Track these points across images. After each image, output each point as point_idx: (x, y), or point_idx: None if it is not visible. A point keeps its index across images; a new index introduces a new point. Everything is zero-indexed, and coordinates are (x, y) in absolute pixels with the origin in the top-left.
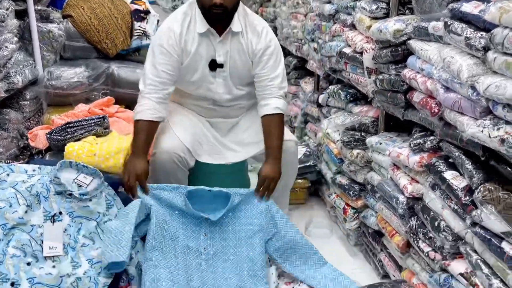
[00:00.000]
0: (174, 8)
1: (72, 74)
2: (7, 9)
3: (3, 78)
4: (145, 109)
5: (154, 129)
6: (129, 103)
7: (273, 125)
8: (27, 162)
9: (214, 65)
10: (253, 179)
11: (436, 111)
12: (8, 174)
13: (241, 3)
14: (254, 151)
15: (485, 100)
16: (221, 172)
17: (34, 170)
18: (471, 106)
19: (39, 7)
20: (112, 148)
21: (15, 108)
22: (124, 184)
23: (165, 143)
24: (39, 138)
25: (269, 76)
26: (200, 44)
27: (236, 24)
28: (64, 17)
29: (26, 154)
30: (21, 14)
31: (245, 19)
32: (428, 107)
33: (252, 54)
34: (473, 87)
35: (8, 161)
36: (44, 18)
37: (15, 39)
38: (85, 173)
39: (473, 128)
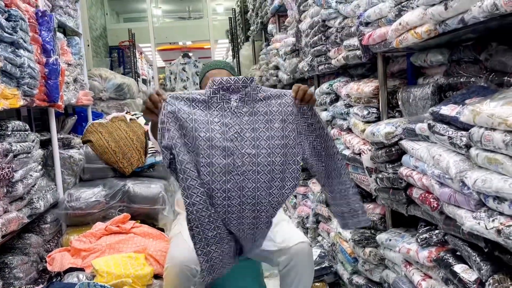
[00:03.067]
0: None
1: (91, 194)
2: (33, 140)
3: (26, 205)
4: None
5: None
6: (145, 217)
7: None
8: (47, 286)
9: None
10: (269, 286)
11: (435, 205)
12: None
13: None
14: (270, 247)
15: (476, 193)
16: (236, 276)
17: None
18: (465, 199)
19: (61, 135)
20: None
21: (36, 232)
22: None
23: (177, 256)
24: (56, 261)
25: None
26: None
27: None
28: (84, 142)
29: (45, 277)
30: (45, 143)
31: None
32: (427, 202)
33: None
34: (463, 182)
35: (29, 286)
36: (65, 145)
37: (39, 167)
38: None
39: (470, 221)
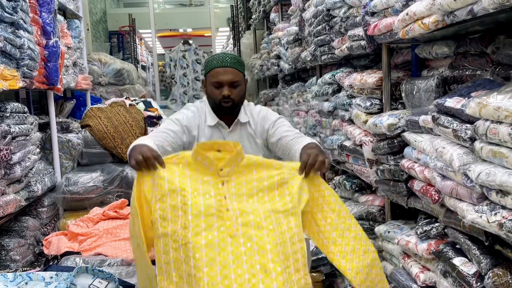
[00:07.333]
0: None
1: (88, 179)
2: (32, 123)
3: (24, 187)
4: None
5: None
6: None
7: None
8: (45, 269)
9: None
10: None
11: (437, 198)
12: (26, 283)
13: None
14: None
15: (479, 187)
16: None
17: (51, 277)
18: (467, 192)
19: (59, 119)
20: None
21: (33, 215)
22: (143, 161)
23: None
24: (52, 245)
25: (289, 133)
26: (212, 136)
27: (243, 116)
28: (83, 126)
29: (41, 260)
30: (44, 127)
31: (250, 111)
32: (428, 194)
33: (263, 133)
34: (466, 175)
35: (26, 269)
36: (64, 129)
37: (37, 150)
38: (101, 278)
39: (472, 214)
